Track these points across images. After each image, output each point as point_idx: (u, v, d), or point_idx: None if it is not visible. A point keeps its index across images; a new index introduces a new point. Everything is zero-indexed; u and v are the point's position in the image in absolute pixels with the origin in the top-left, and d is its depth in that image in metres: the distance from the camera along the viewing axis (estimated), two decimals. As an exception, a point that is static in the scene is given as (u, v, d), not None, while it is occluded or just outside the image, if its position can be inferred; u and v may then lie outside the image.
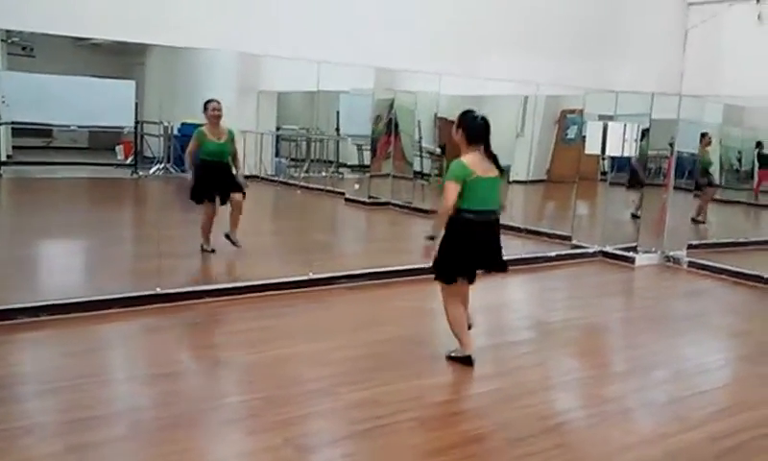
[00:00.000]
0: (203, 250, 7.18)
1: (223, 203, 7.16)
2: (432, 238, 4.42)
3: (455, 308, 4.59)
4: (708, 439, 3.78)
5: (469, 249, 4.45)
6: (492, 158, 4.43)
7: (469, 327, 4.73)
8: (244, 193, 7.21)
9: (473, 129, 4.42)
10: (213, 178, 7.06)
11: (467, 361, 4.56)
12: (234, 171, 7.24)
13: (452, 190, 4.33)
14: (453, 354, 4.64)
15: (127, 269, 6.82)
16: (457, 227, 4.40)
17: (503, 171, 4.52)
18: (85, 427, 3.51)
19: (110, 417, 3.67)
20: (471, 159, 4.38)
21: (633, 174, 9.16)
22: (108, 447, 3.38)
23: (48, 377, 4.17)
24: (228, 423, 3.75)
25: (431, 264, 4.52)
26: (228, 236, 7.23)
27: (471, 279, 4.64)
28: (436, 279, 4.57)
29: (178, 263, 6.53)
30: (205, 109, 7.01)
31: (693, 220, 10.00)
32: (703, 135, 9.30)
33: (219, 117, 6.99)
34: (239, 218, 7.25)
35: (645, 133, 8.50)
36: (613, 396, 4.38)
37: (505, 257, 4.69)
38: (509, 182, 11.11)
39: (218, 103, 7.05)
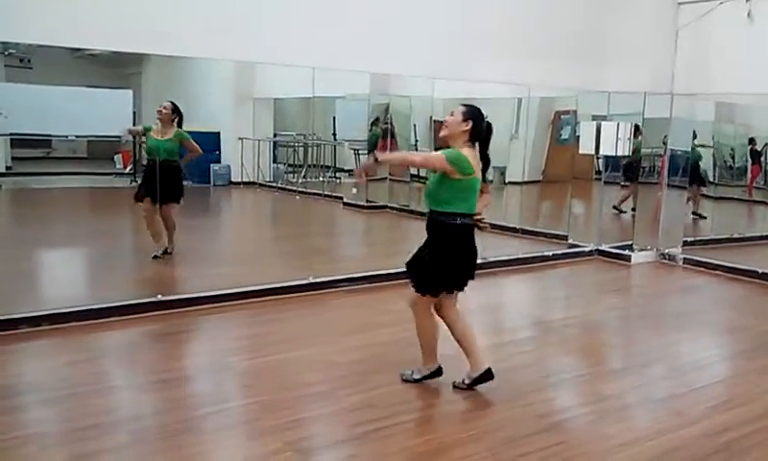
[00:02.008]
0: (153, 256, 7.06)
1: (159, 203, 7.02)
2: (377, 162, 4.10)
3: (429, 322, 4.23)
4: (706, 434, 3.82)
5: (460, 259, 4.11)
6: (485, 162, 4.14)
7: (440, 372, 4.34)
8: (176, 202, 7.12)
9: (480, 127, 4.09)
10: (149, 176, 7.04)
11: (436, 373, 4.30)
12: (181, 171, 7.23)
13: (440, 162, 3.97)
14: (415, 376, 4.31)
15: (127, 277, 6.86)
16: (455, 234, 4.06)
17: (485, 175, 4.21)
18: (88, 436, 3.55)
19: (112, 425, 3.70)
20: (472, 157, 4.04)
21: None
22: (111, 455, 3.41)
23: (50, 386, 4.20)
24: (230, 428, 3.79)
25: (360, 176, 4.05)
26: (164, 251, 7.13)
27: (461, 289, 4.26)
28: (417, 291, 4.15)
29: (178, 270, 6.58)
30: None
31: (695, 213, 10.18)
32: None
33: (164, 115, 7.01)
34: (173, 230, 7.17)
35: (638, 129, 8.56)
36: (611, 393, 4.43)
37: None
38: (505, 184, 11.19)
39: (168, 102, 7.12)
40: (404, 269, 4.31)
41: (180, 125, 7.13)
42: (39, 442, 3.54)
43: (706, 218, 10.50)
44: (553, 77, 7.94)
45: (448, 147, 4.06)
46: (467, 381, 4.22)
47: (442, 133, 4.13)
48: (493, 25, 7.39)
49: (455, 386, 4.25)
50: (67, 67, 12.34)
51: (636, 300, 7.38)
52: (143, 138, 7.23)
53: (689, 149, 9.09)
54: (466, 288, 4.24)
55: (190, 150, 7.29)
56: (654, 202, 9.08)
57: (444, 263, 4.08)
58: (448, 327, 4.28)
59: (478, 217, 4.15)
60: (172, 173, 7.08)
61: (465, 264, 4.14)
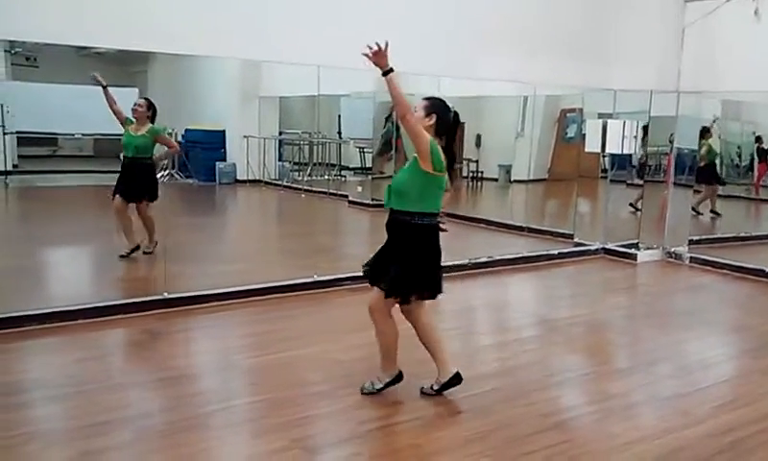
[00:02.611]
0: (120, 256, 7.01)
1: (129, 200, 6.99)
2: (384, 69, 3.72)
3: (390, 325, 4.01)
4: (712, 434, 3.81)
5: (434, 261, 3.92)
6: (451, 159, 3.88)
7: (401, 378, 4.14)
8: (149, 200, 7.09)
9: (446, 120, 3.88)
10: (123, 173, 7.04)
11: (397, 379, 4.10)
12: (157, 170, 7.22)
13: (425, 143, 3.71)
14: (376, 386, 4.09)
15: (134, 275, 6.89)
16: (426, 235, 3.86)
17: (450, 173, 3.94)
18: (94, 433, 3.57)
19: (119, 422, 3.71)
20: (442, 155, 3.81)
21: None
22: (117, 452, 3.43)
23: (57, 384, 4.22)
24: (235, 425, 3.80)
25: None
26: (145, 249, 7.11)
27: (434, 295, 4.02)
28: (389, 295, 3.93)
29: (184, 268, 6.60)
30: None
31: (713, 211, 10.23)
32: (708, 130, 9.44)
33: (138, 112, 6.99)
34: (152, 228, 7.13)
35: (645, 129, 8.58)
36: (617, 392, 4.42)
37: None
38: (510, 182, 11.18)
39: (143, 99, 7.12)
40: (362, 273, 4.13)
41: (152, 121, 7.10)
42: (46, 439, 3.56)
43: (721, 216, 10.47)
44: (559, 75, 7.93)
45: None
46: (435, 387, 4.10)
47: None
48: (499, 23, 7.39)
49: (423, 392, 4.11)
50: (73, 66, 12.36)
51: (641, 298, 7.37)
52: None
53: (697, 147, 9.08)
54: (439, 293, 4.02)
55: (165, 145, 7.28)
56: (660, 200, 9.06)
57: (417, 266, 3.88)
58: (417, 330, 4.12)
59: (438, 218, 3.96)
60: (145, 170, 7.06)
61: (436, 266, 3.95)
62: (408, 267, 3.87)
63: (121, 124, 7.01)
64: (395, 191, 3.88)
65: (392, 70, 3.74)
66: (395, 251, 3.92)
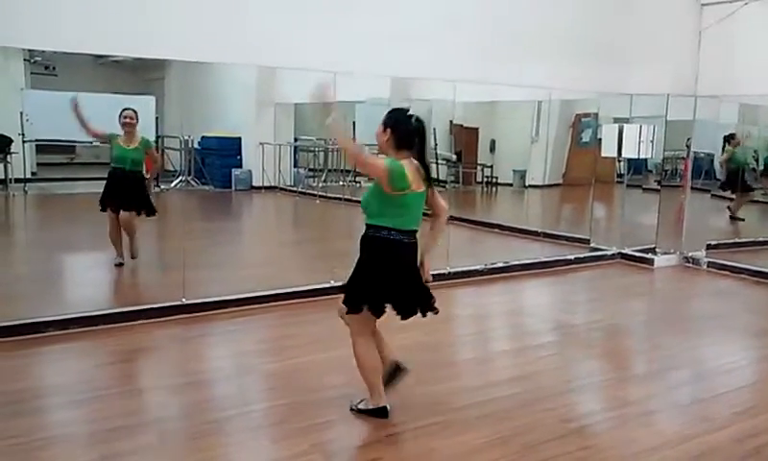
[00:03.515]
0: (116, 265, 7.01)
1: (123, 209, 6.87)
2: (330, 120, 3.63)
3: (367, 349, 3.83)
4: (733, 440, 3.78)
5: (388, 274, 3.68)
6: (425, 169, 3.70)
7: (398, 371, 3.96)
8: (147, 214, 7.02)
9: (404, 131, 3.67)
10: (115, 185, 6.88)
11: (381, 413, 3.83)
12: (147, 183, 7.10)
13: (378, 170, 3.58)
14: (361, 406, 3.89)
15: (152, 280, 6.94)
16: (376, 247, 3.67)
17: (431, 183, 3.75)
18: (114, 437, 3.59)
19: (139, 426, 3.75)
20: (411, 170, 3.63)
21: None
22: (138, 456, 3.45)
23: (76, 389, 4.26)
24: (254, 429, 3.82)
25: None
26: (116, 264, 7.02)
27: (379, 313, 3.77)
28: (343, 303, 3.79)
29: (201, 274, 6.63)
30: (120, 116, 6.88)
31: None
32: (732, 137, 9.41)
33: (130, 124, 6.84)
34: (133, 239, 7.03)
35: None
36: (636, 397, 4.39)
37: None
38: (525, 187, 11.16)
39: (131, 111, 6.92)
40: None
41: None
42: (65, 443, 3.60)
43: (743, 220, 10.40)
44: (575, 79, 7.91)
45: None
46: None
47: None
48: (515, 28, 7.39)
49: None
50: (91, 74, 12.53)
51: (659, 304, 7.32)
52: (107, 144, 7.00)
53: (721, 152, 9.06)
54: (394, 312, 3.77)
55: (152, 159, 7.15)
56: (677, 205, 9.00)
57: (361, 274, 3.72)
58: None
59: (425, 274, 3.79)
60: (139, 182, 7.00)
61: (385, 279, 3.68)
62: (356, 275, 3.75)
63: (104, 142, 6.91)
64: (362, 205, 3.79)
65: (331, 117, 3.65)
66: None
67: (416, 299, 3.76)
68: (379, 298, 3.70)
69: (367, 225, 3.73)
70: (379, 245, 3.67)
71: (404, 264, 3.72)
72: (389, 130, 3.69)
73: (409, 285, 3.74)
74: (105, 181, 6.94)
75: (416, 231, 3.74)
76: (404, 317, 3.77)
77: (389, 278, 3.68)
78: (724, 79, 8.01)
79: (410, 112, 3.75)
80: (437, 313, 3.83)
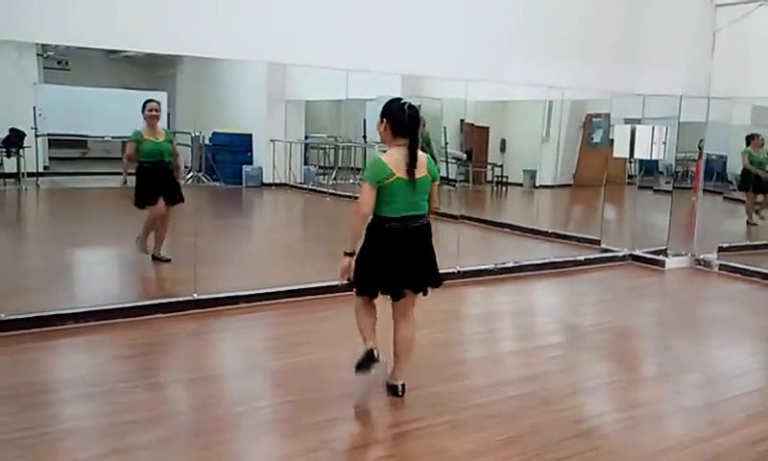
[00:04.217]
0: (154, 258, 7.01)
1: (171, 204, 6.93)
2: (352, 254, 3.93)
3: (360, 308, 4.08)
4: (744, 443, 3.76)
5: (387, 260, 3.91)
6: (411, 158, 3.86)
7: (372, 358, 3.95)
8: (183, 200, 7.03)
9: (400, 119, 3.87)
10: (155, 179, 6.85)
11: (368, 355, 3.93)
12: (175, 173, 7.08)
13: (367, 192, 3.82)
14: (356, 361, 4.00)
15: (163, 275, 6.97)
16: (374, 234, 3.94)
17: (412, 171, 3.87)
18: (125, 431, 3.62)
19: (149, 420, 3.76)
20: (392, 158, 3.85)
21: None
22: (149, 450, 3.47)
23: (91, 382, 4.29)
24: (264, 426, 3.84)
25: (347, 280, 4.00)
26: (155, 257, 7.04)
27: (395, 296, 4.00)
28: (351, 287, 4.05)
29: (212, 269, 6.66)
30: (143, 109, 6.82)
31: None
32: (753, 137, 9.36)
33: (156, 117, 6.81)
34: (164, 233, 7.04)
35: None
36: (647, 400, 4.38)
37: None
38: (535, 187, 11.13)
39: (156, 103, 6.86)
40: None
41: None
42: (78, 436, 3.61)
43: (756, 224, 10.34)
44: (587, 79, 7.87)
45: None
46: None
47: None
48: (526, 27, 7.37)
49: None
50: (103, 69, 12.60)
51: (670, 306, 7.29)
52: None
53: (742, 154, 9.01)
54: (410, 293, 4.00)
55: (174, 151, 7.10)
56: (688, 207, 8.96)
57: (362, 260, 3.96)
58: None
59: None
60: (171, 173, 7.01)
61: (385, 265, 3.92)
62: (358, 261, 3.99)
63: (137, 149, 6.82)
64: None
65: (351, 253, 3.97)
66: None
67: (405, 281, 3.98)
68: (377, 281, 3.97)
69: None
70: (374, 231, 3.94)
71: (398, 249, 3.93)
72: (385, 120, 3.94)
73: (405, 267, 3.95)
74: (138, 178, 6.90)
75: (412, 217, 3.92)
76: (395, 299, 4.02)
77: (384, 262, 3.93)
78: (737, 80, 7.96)
79: (403, 101, 3.96)
80: (426, 294, 4.06)
